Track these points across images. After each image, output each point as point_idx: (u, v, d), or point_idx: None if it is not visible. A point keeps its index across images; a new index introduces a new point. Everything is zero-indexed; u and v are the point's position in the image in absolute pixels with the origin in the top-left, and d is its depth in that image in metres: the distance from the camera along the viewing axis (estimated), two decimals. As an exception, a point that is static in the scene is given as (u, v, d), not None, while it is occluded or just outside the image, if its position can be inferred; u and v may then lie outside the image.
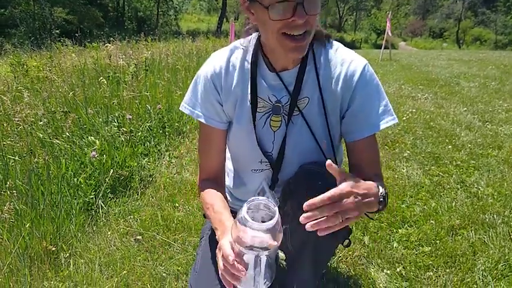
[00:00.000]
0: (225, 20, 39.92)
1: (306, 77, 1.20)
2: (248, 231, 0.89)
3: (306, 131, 1.23)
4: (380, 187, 1.02)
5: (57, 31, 22.54)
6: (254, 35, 1.26)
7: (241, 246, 0.92)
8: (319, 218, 0.90)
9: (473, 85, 7.21)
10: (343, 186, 0.93)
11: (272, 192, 1.29)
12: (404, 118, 4.77)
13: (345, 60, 1.20)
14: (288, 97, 1.22)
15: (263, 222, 0.91)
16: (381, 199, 1.01)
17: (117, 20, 41.19)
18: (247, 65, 1.23)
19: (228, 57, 1.26)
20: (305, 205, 0.90)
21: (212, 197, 1.28)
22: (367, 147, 1.21)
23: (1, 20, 28.08)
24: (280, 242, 0.93)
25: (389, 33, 11.86)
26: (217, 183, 1.35)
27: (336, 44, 1.25)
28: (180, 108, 1.33)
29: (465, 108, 5.29)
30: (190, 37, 16.86)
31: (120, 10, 42.82)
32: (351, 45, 43.37)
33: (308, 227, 0.90)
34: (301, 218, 0.90)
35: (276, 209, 0.94)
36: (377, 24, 50.82)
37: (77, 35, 14.86)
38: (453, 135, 4.07)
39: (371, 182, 1.01)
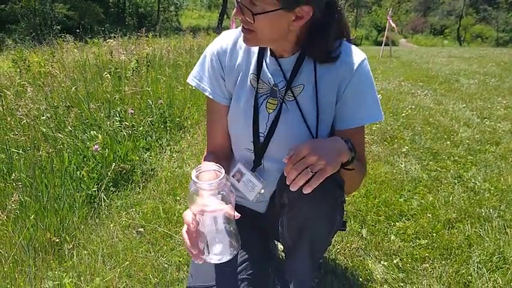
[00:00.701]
0: (225, 16, 39.89)
1: (303, 65, 1.25)
2: (200, 196, 1.00)
3: (297, 116, 1.28)
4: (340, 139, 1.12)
5: (58, 27, 22.58)
6: None
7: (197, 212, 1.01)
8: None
9: (472, 82, 7.24)
10: (299, 148, 1.02)
11: (253, 173, 1.35)
12: (404, 114, 4.81)
13: (344, 53, 1.24)
14: (285, 82, 1.27)
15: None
16: (350, 145, 1.09)
17: (118, 16, 41.22)
18: (253, 48, 1.31)
19: (236, 38, 1.34)
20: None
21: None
22: (352, 137, 1.22)
23: (2, 15, 28.15)
24: (231, 204, 1.04)
25: (395, 30, 11.90)
26: (219, 157, 1.39)
27: (342, 42, 1.28)
28: (187, 81, 1.41)
29: (464, 105, 5.32)
30: (191, 33, 16.89)
31: (121, 6, 42.86)
32: (351, 42, 43.37)
33: (292, 186, 1.00)
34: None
35: (223, 171, 1.04)
36: (377, 21, 50.79)
37: (78, 31, 14.89)
38: (452, 131, 4.10)
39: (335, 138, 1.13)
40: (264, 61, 1.29)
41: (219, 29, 27.15)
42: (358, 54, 1.25)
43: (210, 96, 1.36)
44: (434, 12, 58.12)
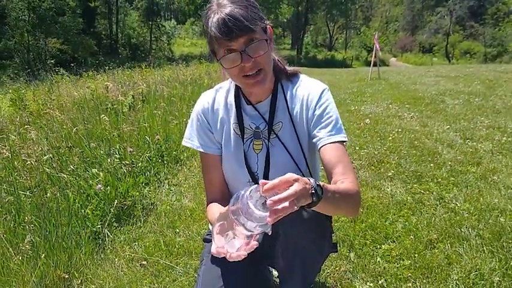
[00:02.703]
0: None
1: (277, 105, 1.48)
2: (250, 218, 0.99)
3: (282, 150, 1.49)
4: (311, 179, 1.06)
5: (52, 61, 22.89)
6: None
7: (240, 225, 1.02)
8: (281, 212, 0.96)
9: (457, 102, 7.49)
10: (290, 175, 0.98)
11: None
12: (390, 138, 5.02)
13: (306, 87, 1.49)
14: (265, 124, 1.49)
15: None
16: (312, 191, 1.03)
17: (110, 47, 41.77)
18: (230, 101, 1.54)
19: (214, 96, 1.57)
20: (268, 202, 0.95)
21: (213, 211, 1.51)
22: (332, 150, 1.37)
23: (-4, 52, 28.56)
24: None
25: (379, 52, 12.26)
26: (220, 200, 1.57)
27: (302, 77, 1.54)
28: (182, 144, 1.62)
29: (448, 126, 5.54)
30: (184, 62, 17.19)
31: (113, 37, 43.43)
32: (342, 63, 43.98)
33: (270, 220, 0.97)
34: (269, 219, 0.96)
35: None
36: (367, 41, 51.63)
37: (72, 65, 15.16)
38: (435, 153, 4.31)
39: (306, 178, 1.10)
40: (242, 110, 1.51)
41: (210, 56, 27.52)
42: (318, 87, 1.48)
43: (203, 151, 1.56)
44: (422, 31, 59.13)
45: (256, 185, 1.02)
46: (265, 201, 0.98)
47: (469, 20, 55.12)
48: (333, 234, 1.49)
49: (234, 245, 1.10)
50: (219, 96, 1.57)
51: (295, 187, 0.96)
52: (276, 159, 1.49)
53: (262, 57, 1.31)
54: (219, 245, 1.10)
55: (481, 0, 55.12)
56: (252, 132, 1.51)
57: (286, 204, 0.94)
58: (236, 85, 1.52)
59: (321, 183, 1.08)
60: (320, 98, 1.45)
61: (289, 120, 1.48)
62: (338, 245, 2.57)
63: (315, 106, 1.44)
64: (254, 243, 1.10)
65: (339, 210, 1.30)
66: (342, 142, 1.39)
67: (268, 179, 1.47)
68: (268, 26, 1.36)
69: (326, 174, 1.40)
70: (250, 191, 1.01)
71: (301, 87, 1.50)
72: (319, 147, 1.41)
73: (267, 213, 0.97)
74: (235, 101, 1.52)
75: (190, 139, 1.58)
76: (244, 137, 1.51)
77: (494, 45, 49.38)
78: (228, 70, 1.33)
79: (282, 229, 1.36)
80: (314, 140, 1.43)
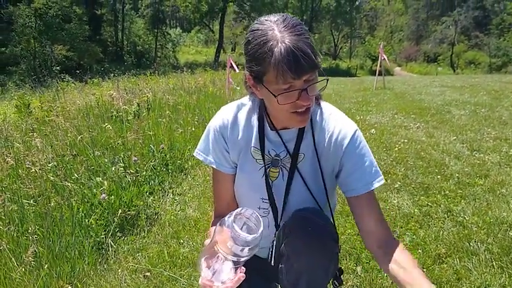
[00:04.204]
0: (222, 51, 40.67)
1: (304, 137, 1.40)
2: (235, 241, 1.05)
3: (300, 182, 1.43)
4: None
5: (58, 68, 23.04)
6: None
7: (224, 252, 1.08)
8: None
9: (463, 113, 7.44)
10: None
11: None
12: (396, 149, 4.98)
13: (336, 126, 1.38)
14: (286, 152, 1.41)
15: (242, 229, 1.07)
16: None
17: (116, 54, 41.99)
18: (252, 122, 1.44)
19: (236, 112, 1.46)
20: None
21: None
22: (366, 201, 1.35)
23: (2, 58, 28.71)
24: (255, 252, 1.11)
25: (387, 61, 12.23)
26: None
27: (329, 108, 1.43)
28: (194, 155, 1.55)
29: (455, 137, 5.50)
30: (189, 70, 17.25)
31: (119, 45, 43.67)
32: (346, 72, 43.98)
33: None
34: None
35: (261, 225, 1.10)
36: (371, 50, 51.63)
37: (77, 72, 15.22)
38: (442, 165, 4.27)
39: None
40: (264, 134, 1.43)
41: (215, 64, 27.69)
42: (348, 128, 1.38)
43: (217, 168, 1.50)
44: (427, 40, 59.10)
45: (239, 209, 1.08)
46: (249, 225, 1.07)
47: (474, 30, 55.07)
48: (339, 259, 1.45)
49: (220, 278, 1.10)
50: (240, 114, 1.46)
51: None
52: (294, 191, 1.45)
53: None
54: (207, 277, 1.11)
55: (486, 11, 55.13)
56: (270, 159, 1.44)
57: None
58: (260, 106, 1.42)
59: None
60: (353, 139, 1.36)
61: (313, 153, 1.40)
62: (345, 258, 2.54)
63: (346, 148, 1.36)
64: (241, 275, 1.10)
65: None
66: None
67: (284, 209, 1.45)
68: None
69: (352, 211, 1.40)
70: (235, 215, 1.05)
71: (330, 121, 1.40)
72: (351, 196, 1.37)
73: (255, 235, 1.04)
74: (258, 124, 1.43)
75: (204, 153, 1.51)
76: (262, 162, 1.45)
77: (499, 56, 49.27)
78: (276, 103, 1.20)
79: (287, 250, 1.33)
80: (346, 189, 1.38)
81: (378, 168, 1.37)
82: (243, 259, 1.09)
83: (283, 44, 1.12)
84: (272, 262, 1.52)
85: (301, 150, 1.40)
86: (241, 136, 1.45)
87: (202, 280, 1.10)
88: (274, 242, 1.48)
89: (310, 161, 1.41)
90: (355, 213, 1.39)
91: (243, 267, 1.12)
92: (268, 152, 1.44)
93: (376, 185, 1.34)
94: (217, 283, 1.09)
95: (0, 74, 25.88)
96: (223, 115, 1.47)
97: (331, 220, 1.48)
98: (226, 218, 1.07)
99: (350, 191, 1.37)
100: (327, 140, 1.38)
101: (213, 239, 1.12)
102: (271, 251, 1.58)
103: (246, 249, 1.04)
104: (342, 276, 1.49)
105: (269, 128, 1.42)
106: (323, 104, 1.44)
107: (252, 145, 1.44)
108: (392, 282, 2.27)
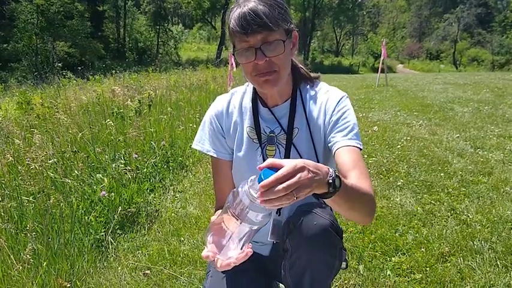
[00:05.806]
0: (224, 48, 40.58)
1: (295, 110, 1.43)
2: (250, 207, 0.98)
3: (296, 157, 1.42)
4: (330, 169, 1.03)
5: (60, 64, 23.02)
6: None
7: (239, 218, 1.00)
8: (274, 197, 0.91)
9: (466, 110, 7.40)
10: (296, 161, 0.93)
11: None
12: (399, 146, 4.95)
13: (325, 93, 1.45)
14: (280, 128, 1.44)
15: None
16: (330, 180, 0.99)
17: (118, 51, 41.91)
18: (245, 104, 1.49)
19: (229, 99, 1.53)
20: (260, 185, 0.91)
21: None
22: (347, 153, 1.32)
23: (4, 54, 28.68)
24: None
25: (386, 58, 12.24)
26: None
27: (320, 83, 1.50)
28: (192, 147, 1.57)
29: (458, 135, 5.46)
30: (191, 66, 17.21)
31: (120, 41, 43.60)
32: (348, 69, 43.92)
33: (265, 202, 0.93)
34: (259, 200, 0.93)
35: None
36: (374, 48, 51.53)
37: (79, 68, 15.19)
38: (445, 163, 4.23)
39: (323, 165, 1.03)
40: (257, 113, 1.46)
41: (217, 61, 27.62)
42: (336, 94, 1.44)
43: (215, 155, 1.51)
44: (429, 38, 58.93)
45: (255, 176, 1.00)
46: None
47: (477, 27, 54.91)
48: (344, 252, 1.42)
49: (227, 254, 1.06)
50: (234, 99, 1.53)
51: (299, 174, 0.92)
52: None
53: (278, 58, 1.27)
54: (214, 251, 1.06)
55: (489, 8, 54.97)
56: (266, 137, 1.46)
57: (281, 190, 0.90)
58: (254, 88, 1.48)
59: (341, 176, 1.04)
60: (338, 103, 1.41)
61: (306, 126, 1.43)
62: (347, 256, 2.51)
63: (332, 112, 1.40)
64: (249, 251, 1.06)
65: (352, 211, 1.20)
66: (357, 148, 1.34)
67: None
68: (294, 30, 1.32)
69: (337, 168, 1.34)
70: (251, 180, 1.00)
71: (320, 93, 1.46)
72: (334, 150, 1.35)
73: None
74: (252, 104, 1.48)
75: (201, 142, 1.53)
76: (259, 142, 1.46)
77: (502, 53, 49.19)
78: (242, 66, 1.30)
79: (290, 245, 1.30)
80: (329, 144, 1.39)
81: (359, 135, 1.39)
82: (255, 227, 1.04)
83: (239, 8, 1.23)
84: (278, 261, 1.50)
85: (295, 124, 1.44)
86: (235, 119, 1.50)
87: (206, 252, 1.05)
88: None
89: (305, 133, 1.44)
90: (339, 170, 1.33)
91: (250, 243, 1.08)
92: (264, 130, 1.46)
93: (353, 143, 1.33)
94: (222, 257, 1.06)
95: (2, 70, 25.87)
96: (218, 103, 1.54)
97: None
98: (239, 188, 1.02)
99: (332, 145, 1.37)
100: (317, 111, 1.43)
101: (221, 214, 1.07)
102: (272, 248, 1.55)
103: (260, 215, 1.01)
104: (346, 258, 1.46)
105: (261, 106, 1.47)
106: (321, 83, 1.51)
107: (246, 125, 1.48)
108: (395, 281, 2.24)
